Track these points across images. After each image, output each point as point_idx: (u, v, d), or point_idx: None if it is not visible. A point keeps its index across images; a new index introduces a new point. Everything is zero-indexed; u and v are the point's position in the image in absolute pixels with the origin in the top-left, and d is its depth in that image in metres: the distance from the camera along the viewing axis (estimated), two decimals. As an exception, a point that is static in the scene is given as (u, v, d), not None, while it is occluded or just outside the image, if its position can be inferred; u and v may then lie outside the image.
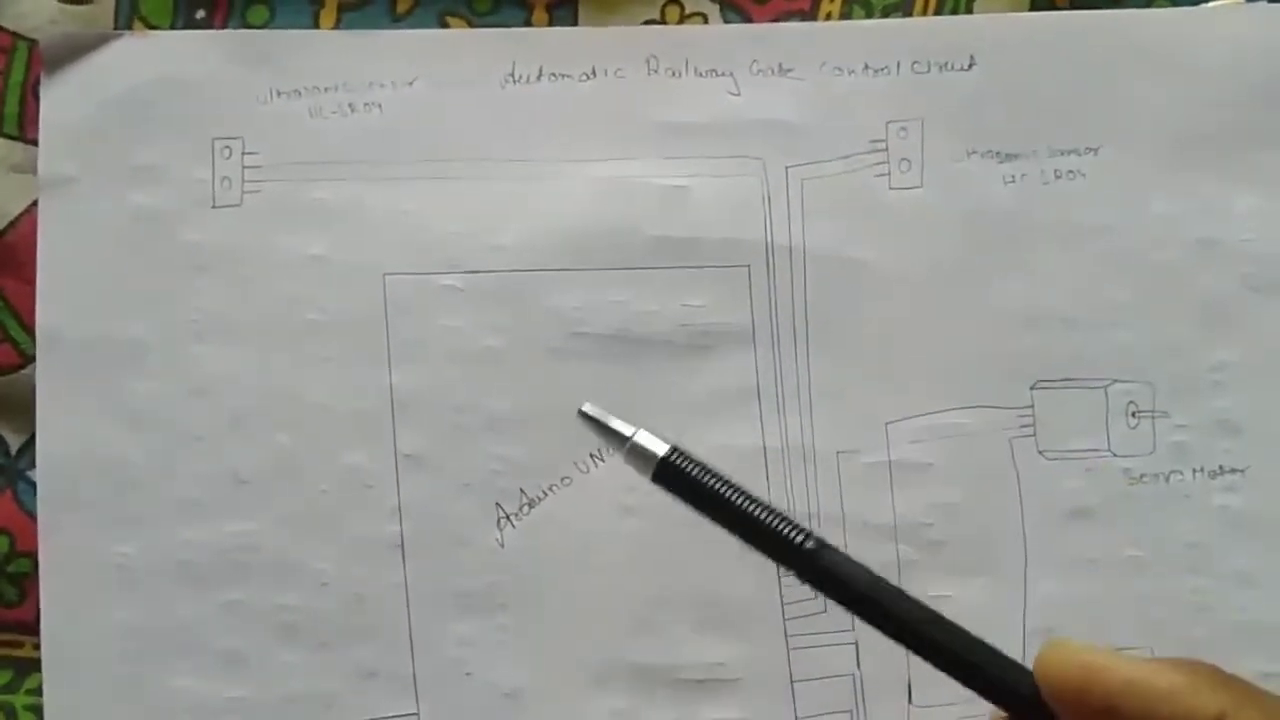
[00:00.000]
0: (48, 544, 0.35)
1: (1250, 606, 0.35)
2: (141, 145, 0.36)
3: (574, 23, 0.37)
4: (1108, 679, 0.23)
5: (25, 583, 0.36)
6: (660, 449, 0.27)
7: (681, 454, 0.27)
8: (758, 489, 0.34)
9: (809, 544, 0.27)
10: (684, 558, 0.35)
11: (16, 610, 0.36)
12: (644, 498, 0.35)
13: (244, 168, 0.36)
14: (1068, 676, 0.23)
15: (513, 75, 0.36)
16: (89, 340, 0.35)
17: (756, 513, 0.27)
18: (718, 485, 0.27)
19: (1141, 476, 0.35)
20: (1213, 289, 0.35)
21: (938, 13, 0.37)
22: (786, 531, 0.27)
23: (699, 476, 0.27)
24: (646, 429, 0.26)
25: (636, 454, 0.27)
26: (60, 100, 0.36)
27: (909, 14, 0.37)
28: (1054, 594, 0.35)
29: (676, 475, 0.27)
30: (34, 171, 0.36)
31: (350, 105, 0.36)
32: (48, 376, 0.35)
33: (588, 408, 0.27)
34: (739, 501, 0.27)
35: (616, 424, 0.27)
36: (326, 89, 0.36)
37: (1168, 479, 0.35)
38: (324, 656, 0.35)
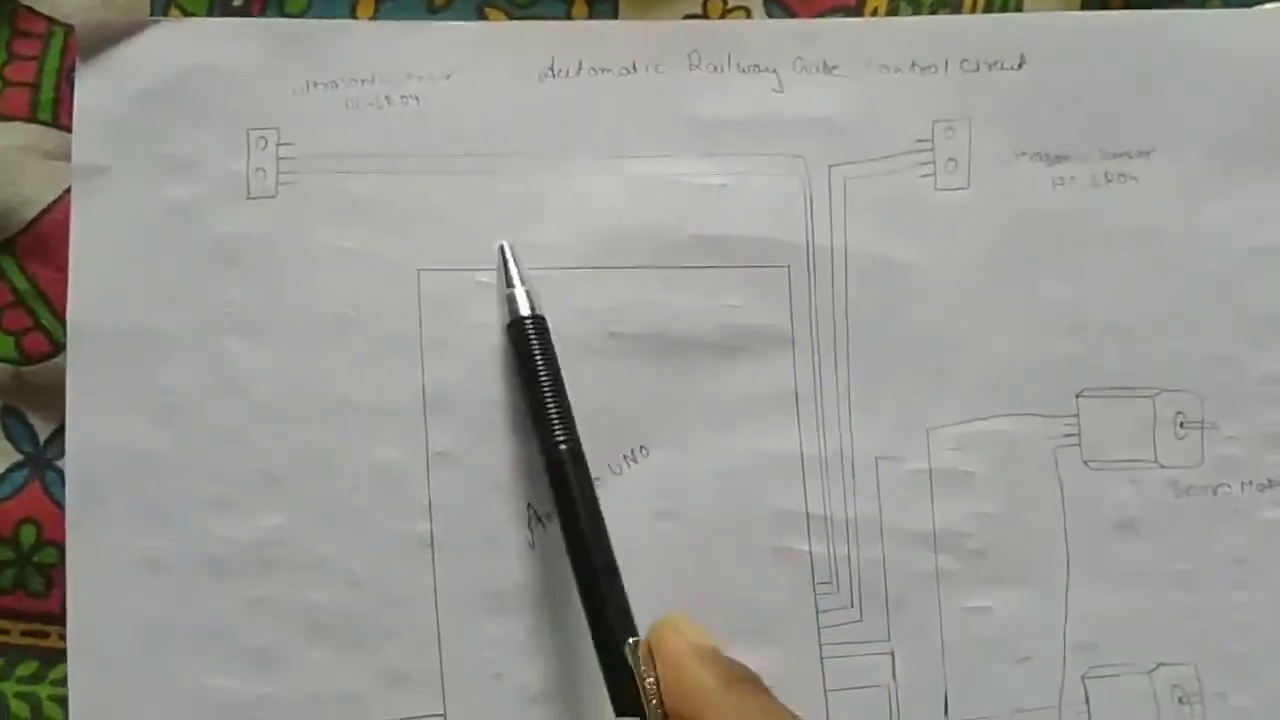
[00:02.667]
0: (76, 536, 0.35)
1: (1297, 623, 0.34)
2: (176, 135, 0.35)
3: (614, 16, 0.36)
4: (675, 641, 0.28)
5: (52, 573, 0.36)
6: (524, 310, 0.33)
7: (535, 326, 0.33)
8: (794, 494, 0.34)
9: (562, 446, 0.32)
10: (718, 563, 0.34)
11: (43, 600, 0.36)
12: (678, 501, 0.34)
13: (279, 159, 0.35)
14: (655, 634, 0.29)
15: (552, 69, 0.35)
16: (120, 332, 0.35)
17: (547, 402, 0.32)
18: (538, 366, 0.32)
19: (1189, 489, 0.34)
20: (1265, 298, 0.34)
21: (987, 10, 0.36)
22: (554, 427, 0.32)
23: (532, 351, 0.32)
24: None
25: (508, 303, 0.33)
26: (95, 88, 0.35)
27: (957, 11, 0.36)
28: (1096, 607, 0.34)
29: (521, 339, 0.33)
30: (66, 159, 0.36)
31: (387, 98, 0.35)
32: (78, 368, 0.35)
33: (505, 245, 0.34)
34: (543, 386, 0.32)
35: (514, 271, 0.33)
36: (363, 81, 0.35)
37: (1215, 491, 0.34)
38: (352, 655, 0.34)
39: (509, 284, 0.33)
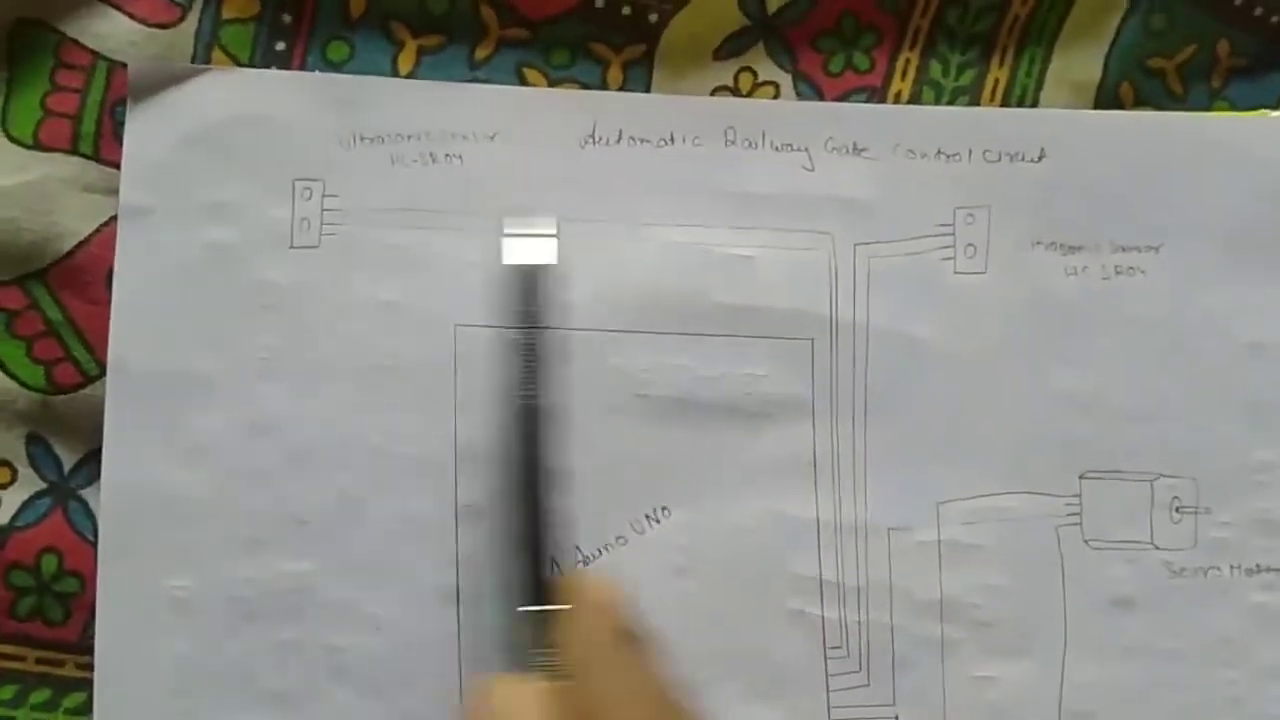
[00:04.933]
0: (106, 575, 0.35)
1: (1281, 701, 0.36)
2: (221, 181, 0.36)
3: (648, 80, 0.38)
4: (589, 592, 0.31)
5: (71, 602, 0.36)
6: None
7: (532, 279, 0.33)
8: (809, 559, 0.35)
9: (528, 401, 0.33)
10: (734, 621, 0.35)
11: (60, 629, 0.36)
12: (697, 561, 0.35)
13: (323, 210, 0.36)
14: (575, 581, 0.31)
15: (593, 136, 0.36)
16: (157, 373, 0.36)
17: (524, 349, 0.33)
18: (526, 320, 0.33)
19: (1182, 570, 0.36)
20: (1260, 391, 0.36)
21: (1004, 102, 0.38)
22: (524, 377, 0.33)
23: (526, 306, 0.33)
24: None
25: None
26: (144, 131, 0.36)
27: (977, 100, 0.38)
28: (1092, 679, 0.36)
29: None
30: (105, 193, 0.36)
31: (431, 155, 0.36)
32: (116, 407, 0.36)
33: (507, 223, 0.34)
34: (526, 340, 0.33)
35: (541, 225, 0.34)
36: (409, 137, 0.36)
37: (1206, 574, 0.36)
38: (374, 700, 0.35)
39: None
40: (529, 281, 0.33)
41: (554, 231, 0.34)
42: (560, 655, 0.30)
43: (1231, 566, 0.36)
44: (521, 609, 0.31)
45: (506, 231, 0.34)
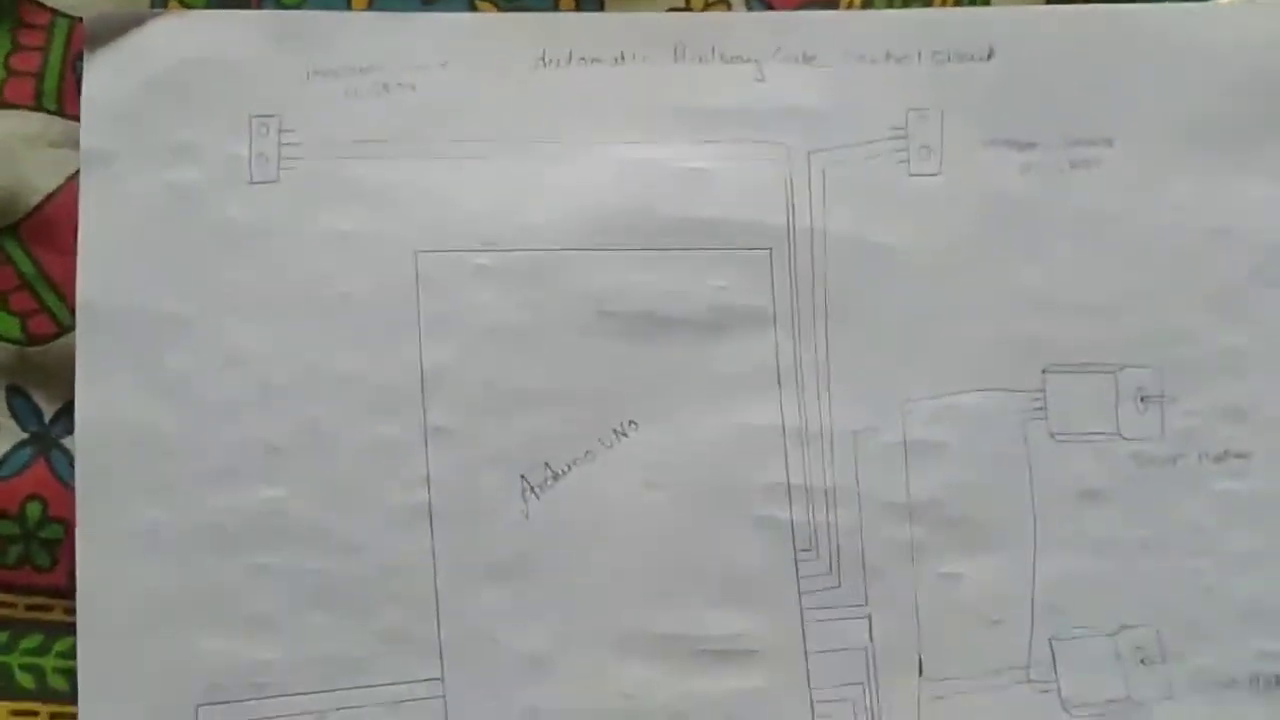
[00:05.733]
0: (84, 510, 0.36)
1: (1252, 588, 0.36)
2: (180, 122, 0.37)
3: (600, 9, 0.38)
4: None
5: (57, 549, 0.37)
6: None
7: None
8: (776, 465, 0.36)
9: None
10: (704, 531, 0.36)
11: (48, 575, 0.37)
12: (666, 473, 0.36)
13: (281, 145, 0.36)
14: None
15: (544, 59, 0.37)
16: (126, 312, 0.36)
17: None
18: None
19: (1149, 460, 0.36)
20: (1223, 277, 0.36)
21: (957, 3, 0.38)
22: None
23: None
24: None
25: None
26: (101, 78, 0.37)
27: (929, 4, 0.38)
28: (1062, 572, 0.36)
29: None
30: (71, 146, 0.37)
31: (385, 86, 0.37)
32: (87, 348, 0.36)
33: None
34: None
35: None
36: (362, 69, 0.37)
37: (1174, 462, 0.36)
38: (352, 621, 0.36)
39: None
40: None
41: None
42: None
43: (1199, 454, 0.36)
44: None
45: None
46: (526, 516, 0.36)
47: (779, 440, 0.36)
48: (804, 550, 0.36)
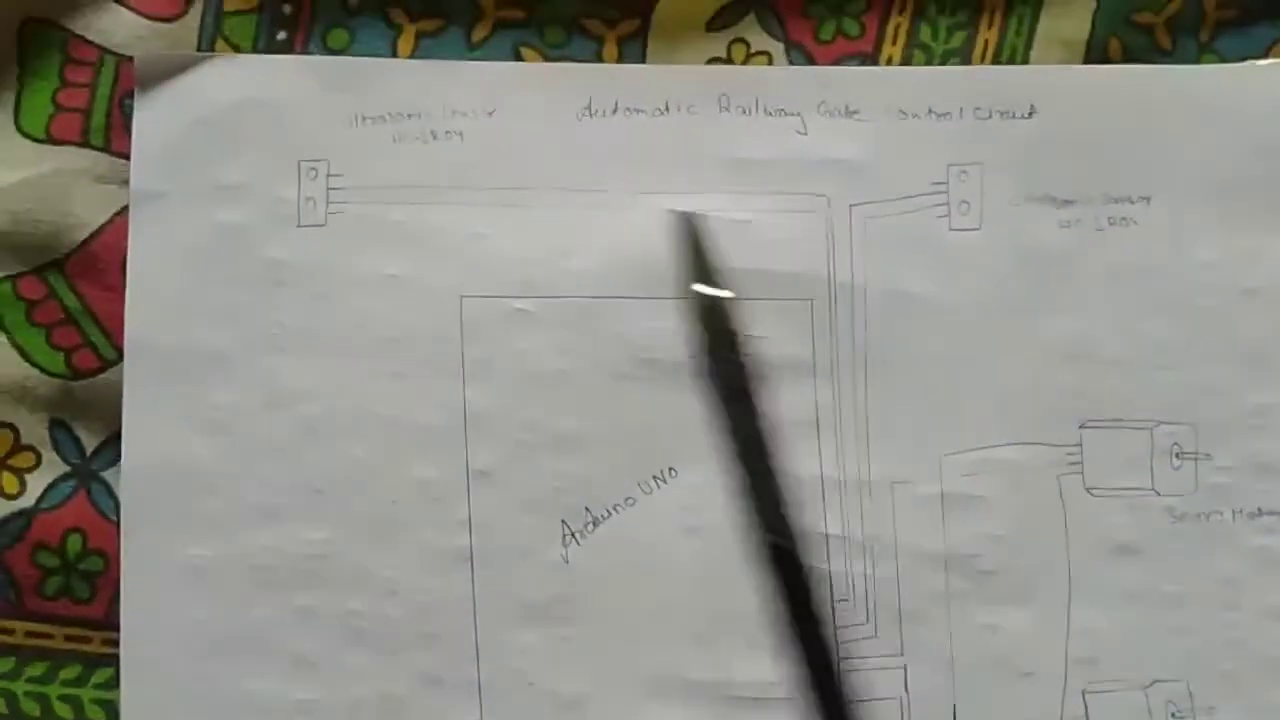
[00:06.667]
0: (129, 546, 0.36)
1: (1282, 642, 0.36)
2: (229, 164, 0.37)
3: (643, 55, 0.38)
4: None
5: (96, 580, 0.37)
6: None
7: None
8: (815, 515, 0.36)
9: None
10: (741, 579, 0.36)
11: (87, 606, 0.37)
12: (705, 519, 0.36)
13: (329, 189, 0.37)
14: None
15: (589, 109, 0.37)
16: (173, 350, 0.37)
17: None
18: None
19: (1183, 515, 0.36)
20: (1254, 336, 0.37)
21: (995, 61, 0.38)
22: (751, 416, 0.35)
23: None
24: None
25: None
26: (153, 118, 0.37)
27: (967, 61, 0.38)
28: (1095, 625, 0.36)
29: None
30: (117, 183, 0.37)
31: (432, 133, 0.37)
32: (134, 384, 0.37)
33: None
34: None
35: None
36: (410, 116, 0.37)
37: (1207, 518, 0.36)
38: (391, 662, 0.36)
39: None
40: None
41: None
42: None
43: (1233, 511, 0.36)
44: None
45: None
46: (566, 561, 0.36)
47: (818, 489, 0.36)
48: (841, 599, 0.36)
